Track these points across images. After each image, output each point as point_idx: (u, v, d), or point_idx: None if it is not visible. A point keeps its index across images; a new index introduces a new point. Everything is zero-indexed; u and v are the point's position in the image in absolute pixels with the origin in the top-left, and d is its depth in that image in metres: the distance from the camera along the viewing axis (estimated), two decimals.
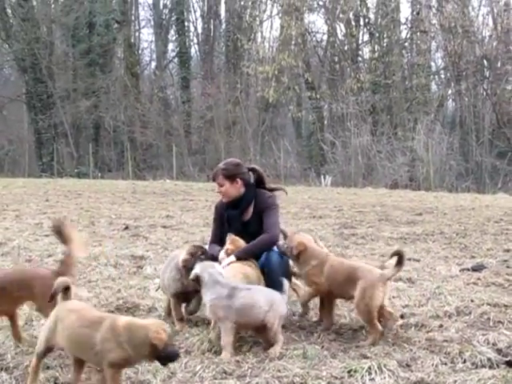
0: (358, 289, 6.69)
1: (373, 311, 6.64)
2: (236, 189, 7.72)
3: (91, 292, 8.95)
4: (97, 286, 9.34)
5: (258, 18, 50.35)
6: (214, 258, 7.35)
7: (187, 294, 7.36)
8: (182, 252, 7.50)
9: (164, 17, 55.71)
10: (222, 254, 7.45)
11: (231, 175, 7.71)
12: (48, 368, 5.97)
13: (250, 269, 7.31)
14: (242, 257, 7.33)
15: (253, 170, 7.98)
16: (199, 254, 7.27)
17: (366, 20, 45.94)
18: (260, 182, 7.94)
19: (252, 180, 7.95)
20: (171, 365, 5.95)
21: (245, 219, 7.78)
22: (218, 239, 7.86)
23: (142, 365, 6.00)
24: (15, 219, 17.35)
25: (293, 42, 45.12)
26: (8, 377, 5.79)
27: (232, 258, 7.33)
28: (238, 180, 7.72)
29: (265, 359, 6.17)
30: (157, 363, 5.55)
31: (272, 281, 7.23)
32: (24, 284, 6.42)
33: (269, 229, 7.57)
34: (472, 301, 8.11)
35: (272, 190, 8.00)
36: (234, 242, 7.56)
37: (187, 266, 7.14)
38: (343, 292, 6.99)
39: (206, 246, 7.70)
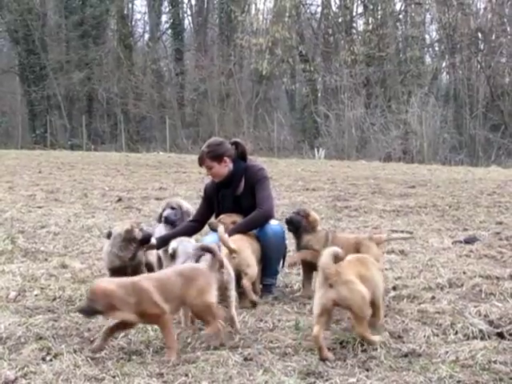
0: None
1: None
2: (225, 167, 7.66)
3: (84, 263, 8.97)
4: (90, 258, 9.38)
5: None
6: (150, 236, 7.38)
7: (124, 268, 7.35)
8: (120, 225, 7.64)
9: None
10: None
11: (217, 155, 7.63)
12: (41, 338, 5.99)
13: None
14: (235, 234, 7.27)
15: (235, 143, 7.92)
16: (139, 228, 7.34)
17: None
18: (244, 155, 7.89)
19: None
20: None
21: (236, 193, 7.74)
22: (200, 218, 7.85)
23: (135, 335, 6.03)
24: (8, 191, 17.32)
25: (287, 14, 44.79)
26: (1, 347, 5.82)
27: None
28: (226, 158, 7.65)
29: (257, 330, 6.20)
30: (150, 334, 5.63)
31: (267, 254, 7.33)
32: None
33: (261, 204, 7.53)
34: (464, 273, 8.15)
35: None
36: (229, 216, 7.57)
37: (129, 237, 7.27)
38: None
39: (143, 225, 7.72)
